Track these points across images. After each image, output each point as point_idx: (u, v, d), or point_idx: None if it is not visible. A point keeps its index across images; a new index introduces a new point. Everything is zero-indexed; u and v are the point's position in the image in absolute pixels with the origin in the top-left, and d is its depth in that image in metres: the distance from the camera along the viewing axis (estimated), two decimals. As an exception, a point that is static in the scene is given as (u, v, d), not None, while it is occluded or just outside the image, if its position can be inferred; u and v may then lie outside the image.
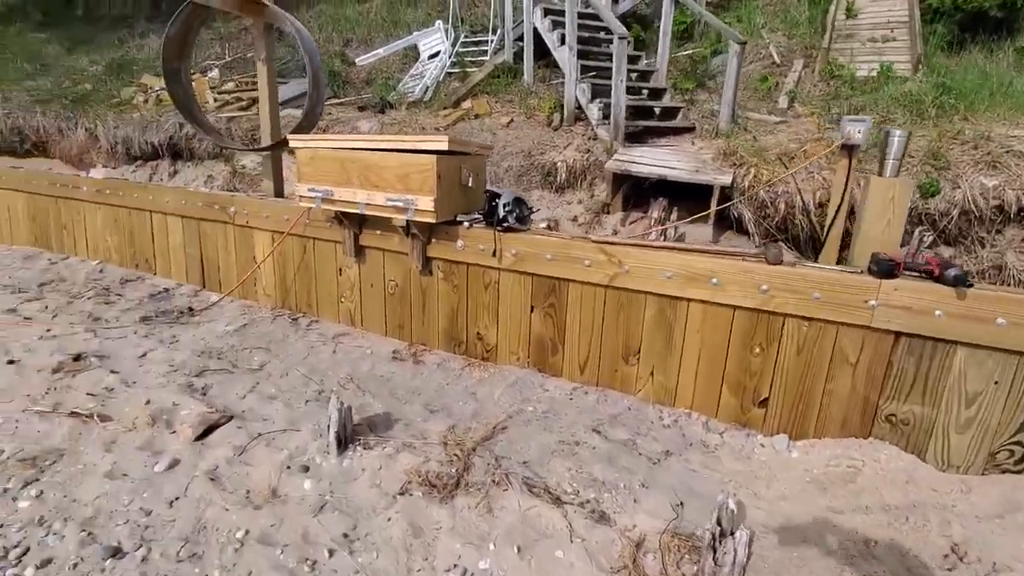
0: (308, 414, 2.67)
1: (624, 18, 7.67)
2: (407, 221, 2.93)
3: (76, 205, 4.90)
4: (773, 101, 5.67)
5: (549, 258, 2.80)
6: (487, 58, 8.36)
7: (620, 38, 4.44)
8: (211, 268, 4.24)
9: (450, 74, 8.33)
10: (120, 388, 2.89)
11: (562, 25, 6.33)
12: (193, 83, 8.38)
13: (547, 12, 6.60)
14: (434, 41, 8.71)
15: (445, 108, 7.12)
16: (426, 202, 2.81)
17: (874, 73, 5.88)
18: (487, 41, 8.73)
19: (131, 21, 11.80)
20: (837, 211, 3.53)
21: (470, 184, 3.01)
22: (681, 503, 2.12)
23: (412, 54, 9.03)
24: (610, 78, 4.88)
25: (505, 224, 2.83)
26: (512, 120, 6.23)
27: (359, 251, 3.42)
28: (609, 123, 5.14)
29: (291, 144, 3.20)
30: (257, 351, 3.37)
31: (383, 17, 10.42)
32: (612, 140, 4.77)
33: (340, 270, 3.60)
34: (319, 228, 3.55)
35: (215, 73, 8.22)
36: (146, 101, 7.68)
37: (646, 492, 2.18)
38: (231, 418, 2.60)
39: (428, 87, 7.90)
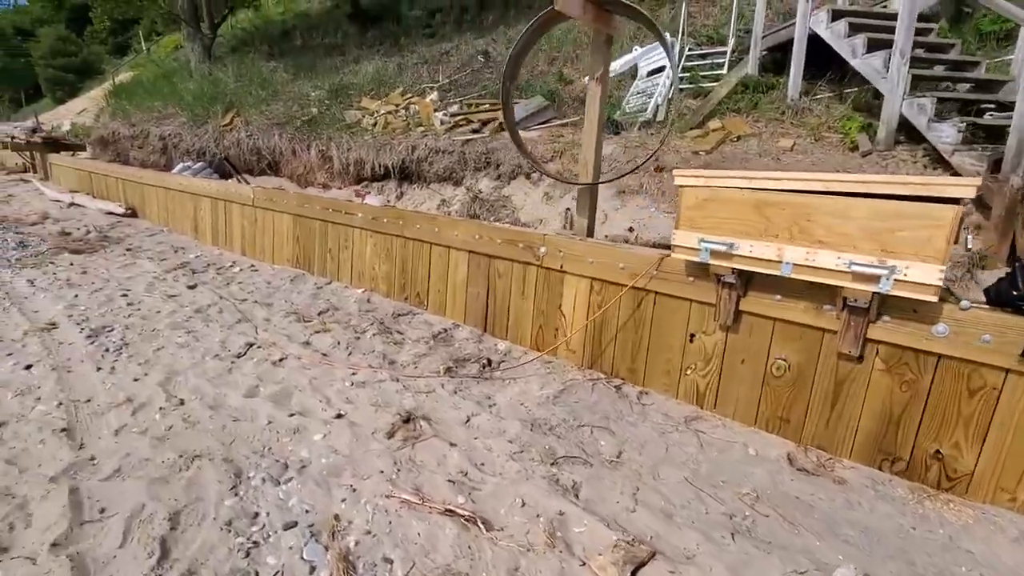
0: (748, 560, 1.93)
1: (920, 16, 6.32)
2: (872, 294, 2.10)
3: (345, 231, 4.82)
4: None
5: None
6: (724, 72, 7.43)
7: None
8: (499, 312, 3.79)
9: (680, 90, 7.53)
10: (475, 473, 2.39)
11: (866, 28, 5.21)
12: (415, 105, 8.53)
13: (837, 15, 5.51)
14: (657, 56, 7.99)
15: (691, 128, 6.31)
16: (926, 272, 1.96)
17: None
18: (720, 53, 7.82)
19: (343, 48, 12.68)
20: None
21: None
22: None
23: (630, 71, 8.40)
24: (938, 89, 3.70)
25: (1060, 311, 1.88)
26: (795, 143, 5.22)
27: (736, 317, 2.66)
28: (979, 149, 3.93)
29: (678, 181, 2.54)
30: (599, 431, 2.74)
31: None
32: (1009, 171, 3.58)
33: (691, 336, 2.87)
34: (670, 283, 2.87)
35: (435, 96, 8.23)
36: (375, 124, 7.85)
37: None
38: (653, 554, 1.93)
39: (659, 105, 7.17)
